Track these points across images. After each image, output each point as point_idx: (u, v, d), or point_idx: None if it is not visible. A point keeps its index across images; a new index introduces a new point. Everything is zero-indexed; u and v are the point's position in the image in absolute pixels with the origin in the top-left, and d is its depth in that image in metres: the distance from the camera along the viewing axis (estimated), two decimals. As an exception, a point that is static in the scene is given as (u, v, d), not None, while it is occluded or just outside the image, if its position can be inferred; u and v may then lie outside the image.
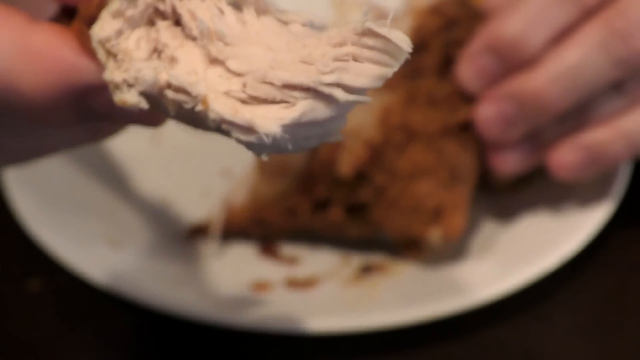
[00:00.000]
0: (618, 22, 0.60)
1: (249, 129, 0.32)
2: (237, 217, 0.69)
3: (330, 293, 0.66)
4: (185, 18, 0.34)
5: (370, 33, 0.32)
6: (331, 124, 0.33)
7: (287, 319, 0.62)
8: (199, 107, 0.32)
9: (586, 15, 0.61)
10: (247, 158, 0.73)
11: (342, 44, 0.32)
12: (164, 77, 0.33)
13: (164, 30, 0.34)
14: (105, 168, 0.77)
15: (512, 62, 0.62)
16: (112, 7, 0.34)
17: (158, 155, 0.80)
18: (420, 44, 0.64)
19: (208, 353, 0.63)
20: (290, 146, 0.33)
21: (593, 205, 0.67)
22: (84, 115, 0.37)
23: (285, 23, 0.34)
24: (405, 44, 0.32)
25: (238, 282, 0.67)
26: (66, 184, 0.74)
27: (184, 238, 0.71)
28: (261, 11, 0.34)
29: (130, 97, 0.33)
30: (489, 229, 0.69)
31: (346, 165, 0.64)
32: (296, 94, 0.32)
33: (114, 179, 0.77)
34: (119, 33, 0.34)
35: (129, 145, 0.81)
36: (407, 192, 0.64)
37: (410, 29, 0.65)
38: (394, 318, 0.61)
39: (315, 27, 0.34)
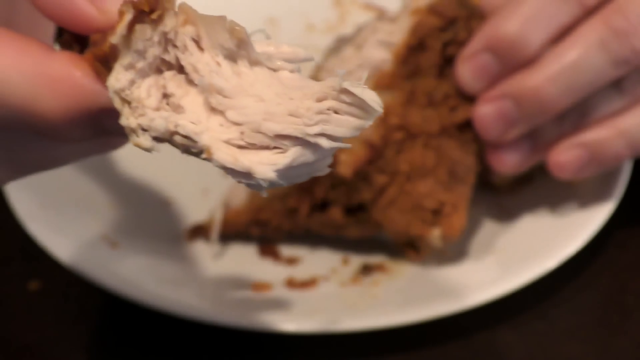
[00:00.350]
0: (617, 21, 0.60)
1: (247, 175, 0.37)
2: (236, 218, 0.69)
3: (330, 293, 0.66)
4: (188, 69, 0.38)
5: (346, 92, 0.36)
6: (319, 164, 0.38)
7: (287, 319, 0.62)
8: (204, 155, 0.37)
9: (586, 15, 0.61)
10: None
11: (324, 98, 0.37)
12: (172, 126, 0.38)
13: (170, 81, 0.38)
14: (104, 168, 0.77)
15: (511, 62, 0.62)
16: (124, 60, 0.38)
17: (158, 155, 0.80)
18: (419, 44, 0.65)
19: (208, 353, 0.63)
20: (284, 183, 0.37)
21: (593, 205, 0.67)
22: (98, 132, 0.40)
23: (275, 70, 0.38)
24: (376, 103, 0.37)
25: (238, 282, 0.67)
26: (66, 184, 0.74)
27: (184, 238, 0.71)
28: (253, 62, 0.38)
29: (144, 142, 0.38)
30: (489, 229, 0.70)
31: (346, 165, 0.64)
32: (287, 142, 0.37)
33: (114, 178, 0.77)
34: (132, 83, 0.38)
35: (128, 145, 0.81)
36: (407, 192, 0.64)
37: (408, 29, 0.65)
38: (393, 318, 0.61)
39: (301, 64, 0.39)
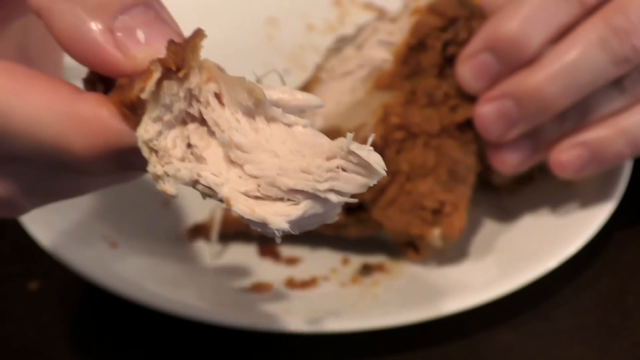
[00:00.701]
0: (617, 20, 0.60)
1: (263, 225, 0.41)
2: (236, 217, 0.69)
3: (330, 293, 0.66)
4: (210, 123, 0.41)
5: (353, 154, 0.40)
6: (328, 214, 0.41)
7: (287, 319, 0.62)
8: (223, 205, 0.41)
9: (586, 14, 0.61)
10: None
11: (333, 157, 0.40)
12: (196, 176, 0.41)
13: (193, 133, 0.41)
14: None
15: (512, 62, 0.62)
16: (152, 113, 0.40)
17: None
18: (419, 44, 0.65)
19: (208, 353, 0.63)
20: (295, 231, 0.41)
21: (593, 205, 0.67)
22: (122, 167, 0.43)
23: (289, 125, 0.41)
24: (380, 166, 0.40)
25: (238, 282, 0.67)
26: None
27: (184, 238, 0.71)
28: (270, 118, 0.41)
29: (170, 188, 0.41)
30: (489, 229, 0.69)
31: None
32: (299, 196, 0.40)
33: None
34: (159, 133, 0.41)
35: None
36: (407, 192, 0.64)
37: (409, 29, 0.65)
38: (393, 318, 0.61)
39: (312, 119, 0.44)
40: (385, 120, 0.64)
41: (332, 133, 0.66)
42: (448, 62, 0.65)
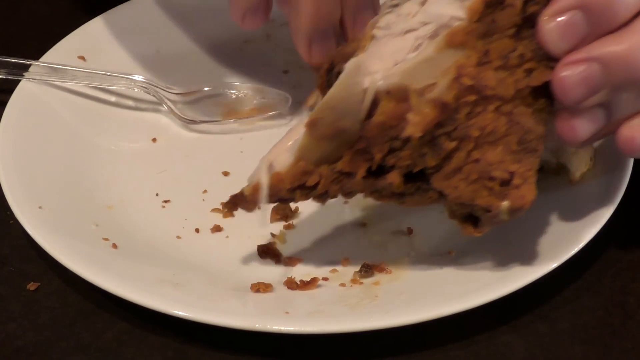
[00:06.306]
0: None
1: None
2: (279, 183, 0.63)
3: (330, 293, 0.66)
4: None
5: None
6: None
7: (287, 319, 0.61)
8: None
9: None
10: (247, 160, 0.73)
11: None
12: None
13: None
14: (104, 168, 0.77)
15: (603, 24, 0.58)
16: None
17: (158, 155, 0.80)
18: (497, 1, 0.59)
19: (207, 353, 0.63)
20: None
21: (595, 206, 0.67)
22: None
23: None
24: None
25: (238, 282, 0.66)
26: (65, 184, 0.73)
27: (183, 238, 0.71)
28: None
29: None
30: (490, 229, 0.69)
31: (415, 126, 0.59)
32: None
33: (113, 179, 0.76)
34: None
35: (128, 145, 0.81)
36: (475, 161, 0.60)
37: None
38: (394, 319, 0.61)
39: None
40: (458, 81, 0.59)
41: (399, 92, 0.60)
42: (527, 21, 0.60)
